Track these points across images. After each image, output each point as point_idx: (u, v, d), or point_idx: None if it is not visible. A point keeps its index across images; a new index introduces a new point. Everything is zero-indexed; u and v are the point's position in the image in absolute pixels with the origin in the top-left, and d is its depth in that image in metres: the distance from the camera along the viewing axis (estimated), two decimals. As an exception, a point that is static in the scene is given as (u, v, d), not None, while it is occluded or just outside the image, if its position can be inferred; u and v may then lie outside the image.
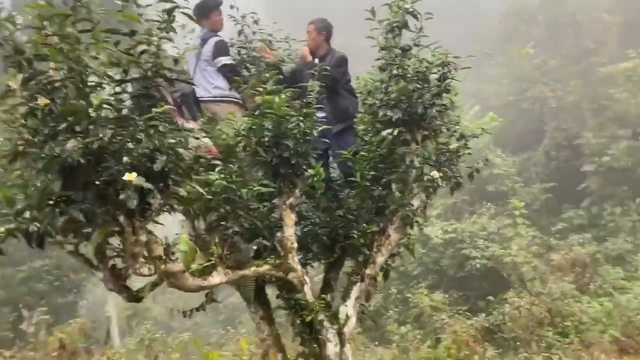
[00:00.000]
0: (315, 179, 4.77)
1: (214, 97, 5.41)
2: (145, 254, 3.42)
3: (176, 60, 3.12)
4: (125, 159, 2.82)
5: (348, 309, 4.79)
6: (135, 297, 4.54)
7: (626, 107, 18.81)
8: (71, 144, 2.64)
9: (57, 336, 5.77)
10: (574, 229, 17.11)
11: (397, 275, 14.99)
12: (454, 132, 5.57)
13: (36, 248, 3.01)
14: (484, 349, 7.52)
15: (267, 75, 4.55)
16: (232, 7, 5.87)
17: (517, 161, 20.14)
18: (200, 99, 5.42)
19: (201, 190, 3.37)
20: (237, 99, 5.42)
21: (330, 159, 5.42)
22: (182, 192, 3.18)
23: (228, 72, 5.34)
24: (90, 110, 2.64)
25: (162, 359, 8.87)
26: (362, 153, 4.87)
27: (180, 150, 2.85)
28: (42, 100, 2.82)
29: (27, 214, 2.92)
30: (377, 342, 12.32)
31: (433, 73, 4.49)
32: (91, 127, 2.69)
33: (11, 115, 2.80)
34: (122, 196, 2.70)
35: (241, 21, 5.96)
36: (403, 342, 11.41)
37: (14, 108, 2.79)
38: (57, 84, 2.87)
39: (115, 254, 4.61)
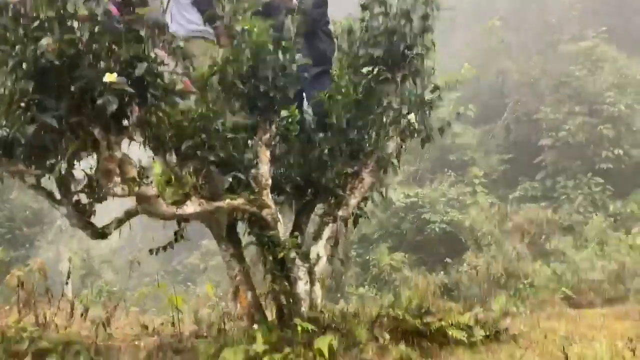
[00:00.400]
0: (290, 120, 4.71)
1: (187, 33, 5.19)
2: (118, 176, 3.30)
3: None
4: (102, 64, 2.68)
5: (319, 249, 4.80)
6: (100, 233, 4.41)
7: (584, 84, 19.34)
8: (45, 40, 2.47)
9: (15, 274, 5.57)
10: (529, 200, 17.68)
11: (358, 239, 15.21)
12: (428, 83, 5.59)
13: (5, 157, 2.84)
14: (444, 302, 7.71)
15: (246, 5, 4.41)
16: None
17: (478, 133, 20.52)
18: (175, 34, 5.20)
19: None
20: (210, 34, 5.22)
21: (305, 103, 5.34)
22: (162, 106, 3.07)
23: (201, 4, 5.12)
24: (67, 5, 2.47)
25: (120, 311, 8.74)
26: (337, 97, 4.81)
27: (161, 55, 2.71)
28: (13, -5, 2.63)
29: (-5, 120, 2.76)
30: (338, 296, 12.47)
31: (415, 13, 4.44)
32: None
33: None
34: (100, 101, 2.56)
35: None
36: (362, 301, 11.59)
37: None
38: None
39: (79, 188, 4.46)
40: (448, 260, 12.70)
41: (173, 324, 6.69)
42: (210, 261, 18.49)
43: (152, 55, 2.94)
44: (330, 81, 5.16)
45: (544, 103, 19.56)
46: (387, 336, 4.53)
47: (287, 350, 4.12)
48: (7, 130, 2.66)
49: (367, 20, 4.52)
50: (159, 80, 2.91)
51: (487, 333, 4.74)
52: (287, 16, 4.82)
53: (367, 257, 14.05)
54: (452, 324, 4.54)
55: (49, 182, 4.72)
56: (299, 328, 4.21)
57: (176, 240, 5.08)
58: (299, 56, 5.05)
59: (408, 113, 4.58)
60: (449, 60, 23.09)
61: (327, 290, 13.17)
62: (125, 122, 3.08)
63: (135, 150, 3.99)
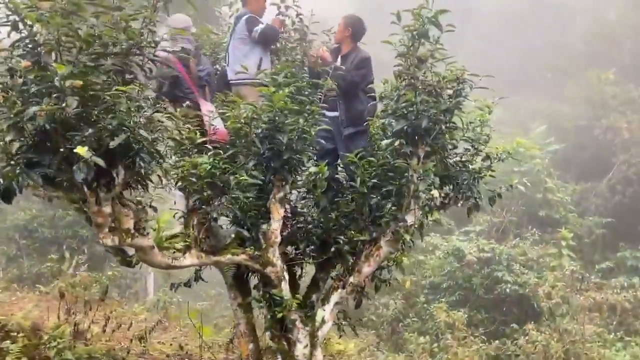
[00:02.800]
0: (318, 176, 4.71)
1: (238, 80, 5.38)
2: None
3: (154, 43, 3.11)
4: (89, 131, 2.87)
5: (325, 314, 4.72)
6: (127, 261, 4.65)
7: None
8: (34, 108, 2.70)
9: (58, 285, 6.08)
10: (626, 270, 16.06)
11: (428, 284, 14.69)
12: (480, 151, 5.35)
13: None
14: (483, 378, 7.23)
15: (279, 66, 4.52)
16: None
17: (579, 189, 19.10)
18: (230, 81, 5.42)
19: (167, 172, 3.38)
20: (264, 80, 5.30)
21: (339, 160, 5.31)
22: (156, 170, 3.21)
23: (269, 38, 5.31)
24: (55, 79, 2.68)
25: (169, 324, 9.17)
26: (370, 159, 4.73)
27: (141, 131, 2.84)
28: (24, 63, 2.91)
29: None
30: (391, 348, 12.12)
31: (449, 88, 4.27)
32: (57, 95, 2.73)
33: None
34: (74, 167, 2.74)
35: (284, 12, 5.82)
36: (418, 352, 11.15)
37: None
38: (42, 49, 2.95)
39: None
40: (515, 326, 11.87)
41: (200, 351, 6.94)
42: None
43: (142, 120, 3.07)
44: (367, 141, 5.12)
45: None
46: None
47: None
48: (1, 180, 2.90)
49: (399, 89, 4.41)
50: (145, 144, 3.03)
51: None
52: (325, 76, 4.85)
53: (433, 306, 13.49)
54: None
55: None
56: (281, 396, 4.17)
57: (196, 280, 5.26)
58: (335, 114, 5.09)
59: (430, 188, 4.37)
60: (557, 107, 21.88)
61: (385, 339, 12.93)
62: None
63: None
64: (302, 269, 5.37)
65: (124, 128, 2.83)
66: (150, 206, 3.82)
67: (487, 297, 13.37)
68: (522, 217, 16.88)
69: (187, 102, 4.90)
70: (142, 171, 3.15)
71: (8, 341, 5.40)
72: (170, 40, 4.78)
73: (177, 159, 4.10)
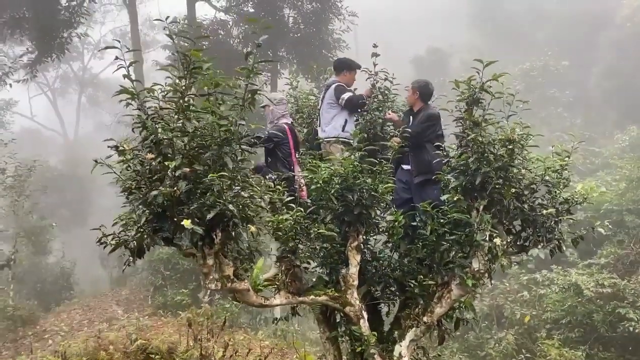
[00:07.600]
0: (394, 224, 5.36)
1: (326, 138, 6.23)
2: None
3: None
4: (194, 206, 3.84)
5: (402, 349, 5.28)
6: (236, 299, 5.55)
7: None
8: (154, 192, 3.73)
9: (186, 316, 7.26)
10: None
11: (551, 320, 14.22)
12: (556, 195, 5.65)
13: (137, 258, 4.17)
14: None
15: (352, 132, 5.27)
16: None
17: None
18: (319, 140, 6.32)
19: (260, 228, 4.26)
20: (348, 139, 6.03)
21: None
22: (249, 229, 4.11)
23: (354, 105, 6.12)
24: (168, 171, 3.69)
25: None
26: (442, 207, 5.26)
27: (229, 206, 3.74)
28: (148, 155, 3.97)
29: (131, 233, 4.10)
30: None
31: (502, 147, 4.72)
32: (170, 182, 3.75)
33: (126, 164, 3.99)
34: (182, 236, 3.70)
35: (374, 76, 6.48)
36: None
37: (126, 160, 3.96)
38: (163, 144, 4.00)
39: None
40: (641, 366, 11.17)
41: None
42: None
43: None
44: (439, 191, 5.64)
45: None
46: None
47: None
48: (134, 243, 3.97)
49: (460, 149, 4.94)
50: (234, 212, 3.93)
51: None
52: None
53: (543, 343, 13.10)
54: None
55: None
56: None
57: (293, 315, 6.09)
58: (408, 167, 5.71)
59: (492, 237, 4.80)
60: None
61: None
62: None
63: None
64: (389, 307, 5.98)
65: (218, 203, 3.75)
66: (248, 256, 4.73)
67: (610, 335, 12.69)
68: (655, 248, 15.64)
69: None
70: (235, 232, 4.04)
71: (148, 362, 6.67)
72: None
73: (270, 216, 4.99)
